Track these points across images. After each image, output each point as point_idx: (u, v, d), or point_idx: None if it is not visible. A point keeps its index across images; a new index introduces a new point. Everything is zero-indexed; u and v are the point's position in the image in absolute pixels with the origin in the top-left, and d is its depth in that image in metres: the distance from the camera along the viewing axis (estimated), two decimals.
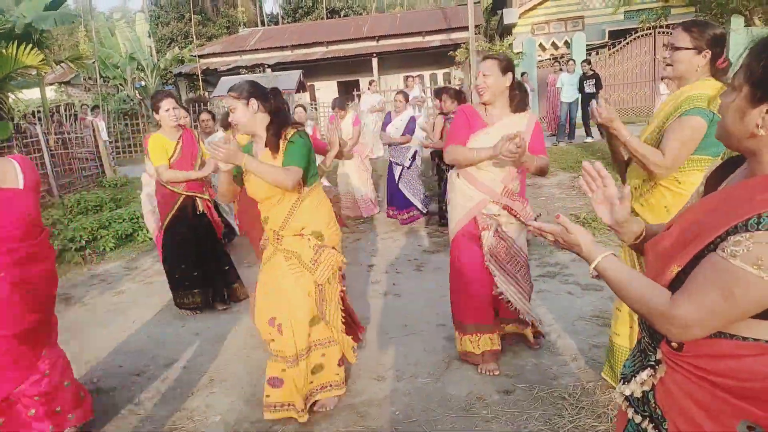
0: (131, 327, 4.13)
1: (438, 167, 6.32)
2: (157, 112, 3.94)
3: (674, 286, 1.07)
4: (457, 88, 6.88)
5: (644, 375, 1.18)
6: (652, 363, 1.18)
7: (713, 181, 1.22)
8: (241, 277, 4.54)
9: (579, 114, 11.70)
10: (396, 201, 6.53)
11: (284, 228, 2.64)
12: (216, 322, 4.12)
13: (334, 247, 2.76)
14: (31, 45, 9.44)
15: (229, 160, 2.44)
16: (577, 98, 11.53)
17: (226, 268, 4.44)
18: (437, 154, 6.15)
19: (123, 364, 3.47)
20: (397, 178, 6.52)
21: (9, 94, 10.40)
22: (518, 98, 2.90)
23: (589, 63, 11.75)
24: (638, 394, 1.20)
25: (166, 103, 3.92)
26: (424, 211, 6.66)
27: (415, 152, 6.61)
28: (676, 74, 2.24)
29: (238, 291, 4.47)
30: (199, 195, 4.16)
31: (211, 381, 3.19)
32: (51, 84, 21.46)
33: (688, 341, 1.07)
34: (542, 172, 2.94)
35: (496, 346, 3.08)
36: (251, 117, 2.61)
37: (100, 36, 20.10)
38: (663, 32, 15.28)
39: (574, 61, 11.94)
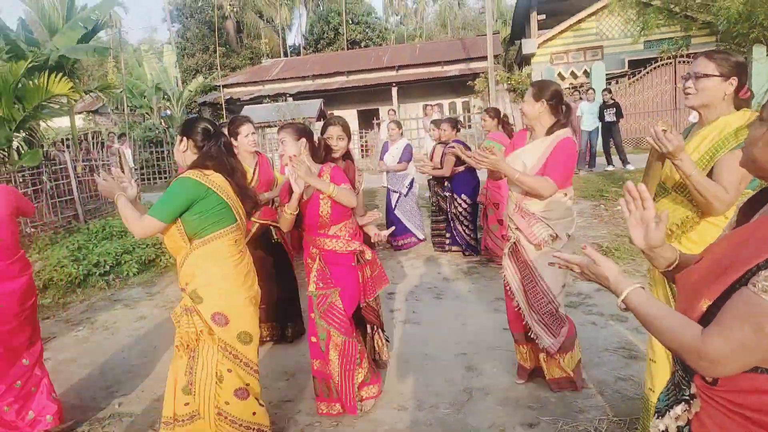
0: (153, 352, 4.16)
1: (436, 194, 6.34)
2: (235, 138, 3.75)
3: (705, 320, 1.06)
4: (457, 117, 7.02)
5: (679, 410, 1.16)
6: (687, 397, 1.15)
7: (746, 213, 1.21)
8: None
9: (599, 142, 11.67)
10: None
11: (179, 279, 2.53)
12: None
13: (226, 316, 2.43)
14: (62, 75, 9.77)
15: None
16: (597, 127, 11.51)
17: (295, 301, 4.19)
18: (436, 182, 6.28)
19: (144, 389, 3.48)
20: (393, 204, 6.66)
21: (40, 122, 10.72)
22: (554, 122, 2.96)
23: (610, 92, 11.77)
24: (673, 429, 1.17)
25: (246, 129, 3.80)
26: (421, 238, 6.78)
27: (412, 179, 6.79)
28: (701, 103, 2.17)
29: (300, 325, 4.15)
30: (273, 223, 3.91)
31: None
32: (80, 113, 22.10)
33: (721, 376, 1.05)
34: (532, 192, 2.85)
35: (523, 362, 3.17)
36: (180, 154, 2.63)
37: (129, 66, 20.75)
38: (683, 62, 15.28)
39: (593, 89, 11.97)
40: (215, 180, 2.45)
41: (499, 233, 5.56)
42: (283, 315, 4.09)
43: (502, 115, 5.71)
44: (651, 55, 16.89)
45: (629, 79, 16.46)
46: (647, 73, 16.11)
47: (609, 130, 11.37)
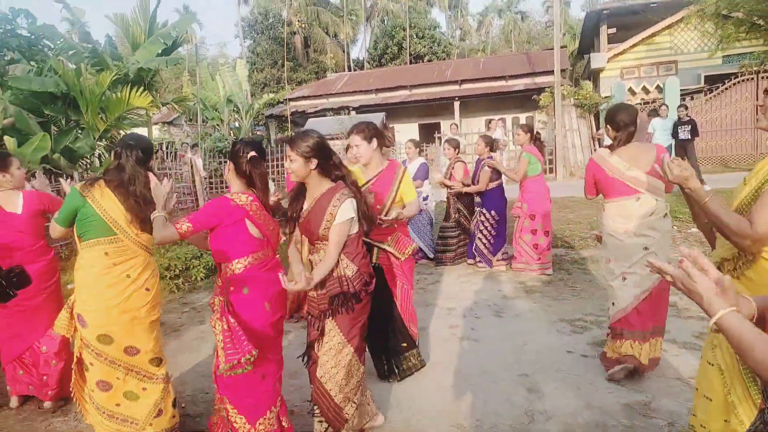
0: (205, 356, 4.29)
1: (459, 210, 6.66)
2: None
3: None
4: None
5: None
6: None
7: None
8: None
9: None
10: None
11: None
12: (296, 353, 4.20)
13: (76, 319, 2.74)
14: (142, 88, 10.40)
15: None
16: (671, 144, 11.04)
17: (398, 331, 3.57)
18: (457, 198, 6.66)
19: (209, 391, 3.60)
20: None
21: (121, 132, 11.43)
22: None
23: (686, 108, 11.25)
24: None
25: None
26: (431, 256, 6.89)
27: (426, 197, 6.87)
28: None
29: (412, 360, 3.61)
30: (378, 245, 3.41)
31: (292, 413, 3.23)
32: (156, 123, 23.40)
33: None
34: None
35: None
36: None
37: (202, 80, 21.79)
38: (767, 77, 14.42)
39: (667, 106, 11.49)
40: (95, 193, 2.69)
41: (531, 243, 6.07)
42: (382, 348, 3.57)
43: (535, 132, 6.22)
44: (730, 70, 16.04)
45: (706, 95, 15.69)
46: (726, 88, 15.29)
47: (683, 148, 10.86)
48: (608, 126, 3.43)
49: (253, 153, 2.54)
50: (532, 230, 6.09)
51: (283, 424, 2.66)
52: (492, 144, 6.44)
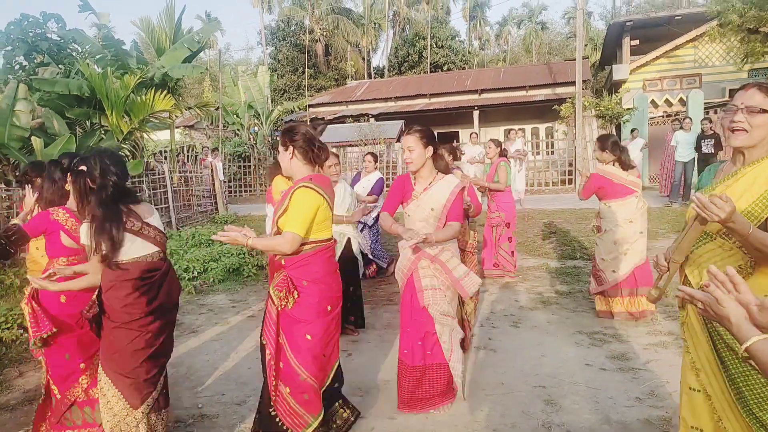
0: (235, 357, 4.33)
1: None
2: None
3: None
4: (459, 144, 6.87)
5: None
6: None
7: None
8: None
9: (695, 174, 11.01)
10: None
11: None
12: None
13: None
14: (166, 92, 10.57)
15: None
16: (694, 158, 10.88)
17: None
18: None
19: (226, 393, 3.62)
20: None
21: (144, 134, 11.62)
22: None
23: (710, 121, 11.09)
24: None
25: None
26: (384, 265, 6.89)
27: (379, 213, 6.68)
28: (753, 142, 1.86)
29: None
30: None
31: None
32: (178, 127, 23.70)
33: None
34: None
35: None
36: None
37: (224, 85, 22.06)
38: None
39: (690, 119, 11.34)
40: None
41: (509, 251, 6.38)
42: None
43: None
44: None
45: None
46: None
47: (706, 162, 10.68)
48: (608, 150, 4.79)
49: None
50: (508, 237, 6.38)
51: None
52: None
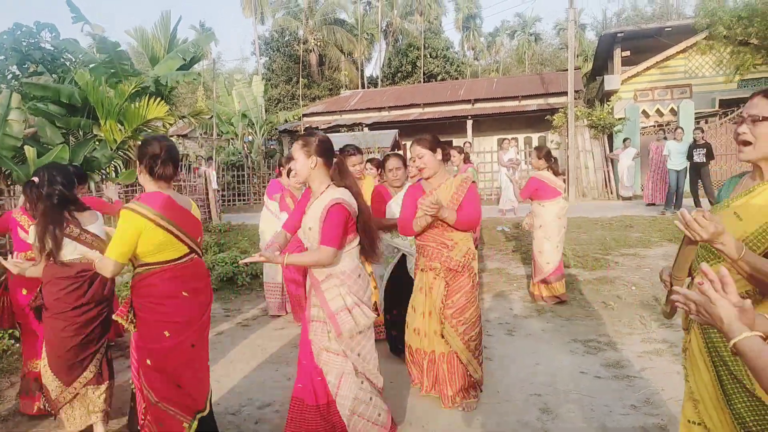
0: (229, 367, 4.30)
1: None
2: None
3: None
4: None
5: None
6: None
7: None
8: None
9: (687, 183, 11.12)
10: None
11: None
12: None
13: None
14: (160, 99, 10.56)
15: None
16: (685, 167, 10.99)
17: None
18: None
19: (220, 402, 3.59)
20: None
21: (138, 143, 11.58)
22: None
23: (702, 131, 11.20)
24: None
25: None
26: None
27: None
28: (759, 155, 1.72)
29: None
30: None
31: None
32: (171, 136, 23.68)
33: None
34: None
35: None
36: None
37: (218, 94, 22.10)
38: None
39: (682, 129, 11.46)
40: None
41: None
42: None
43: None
44: (745, 95, 15.97)
45: (720, 118, 15.65)
46: (742, 113, 15.23)
47: (697, 172, 10.80)
48: (543, 159, 5.63)
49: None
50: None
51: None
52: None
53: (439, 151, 3.25)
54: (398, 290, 3.99)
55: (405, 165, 4.02)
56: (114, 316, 2.70)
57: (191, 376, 2.64)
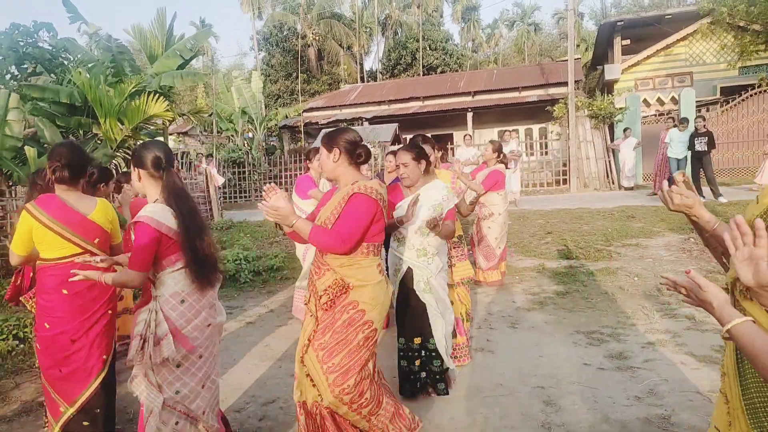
0: (233, 364, 4.31)
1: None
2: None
3: None
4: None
5: None
6: None
7: None
8: None
9: (689, 172, 11.07)
10: None
11: None
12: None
13: None
14: (158, 96, 10.55)
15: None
16: (686, 156, 10.95)
17: None
18: None
19: (225, 400, 3.60)
20: None
21: (138, 143, 11.58)
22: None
23: (704, 119, 11.14)
24: None
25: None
26: None
27: None
28: None
29: None
30: None
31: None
32: (171, 134, 23.68)
33: None
34: None
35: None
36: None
37: (219, 91, 22.07)
38: None
39: (687, 120, 11.40)
40: None
41: None
42: None
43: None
44: (746, 82, 15.93)
45: (722, 106, 15.57)
46: (743, 100, 15.17)
47: (699, 160, 10.76)
48: (497, 152, 5.98)
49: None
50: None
51: None
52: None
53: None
54: (402, 313, 3.40)
55: (419, 158, 3.34)
56: (21, 297, 3.13)
57: (69, 371, 2.78)
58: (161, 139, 13.01)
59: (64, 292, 2.76)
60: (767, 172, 10.93)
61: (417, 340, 3.36)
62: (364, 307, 2.57)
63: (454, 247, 3.94)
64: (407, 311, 3.34)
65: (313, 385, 2.59)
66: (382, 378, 2.87)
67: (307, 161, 5.43)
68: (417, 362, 3.38)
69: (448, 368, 3.44)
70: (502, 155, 6.09)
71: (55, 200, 2.79)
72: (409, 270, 3.31)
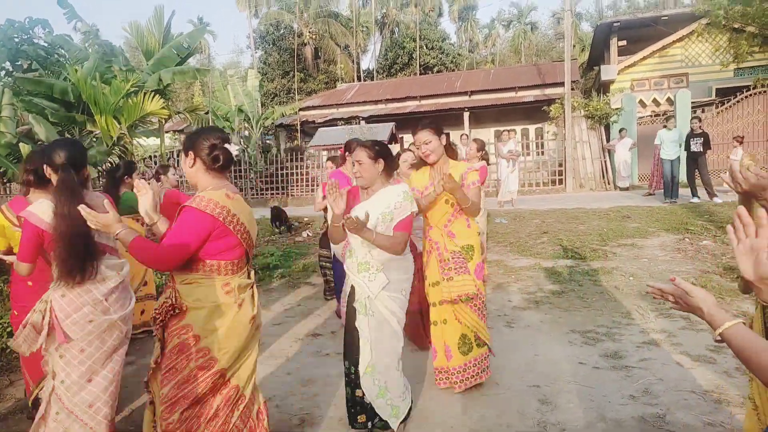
0: None
1: None
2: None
3: None
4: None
5: None
6: None
7: None
8: None
9: (684, 172, 11.13)
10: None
11: None
12: (305, 364, 4.21)
13: None
14: (155, 95, 10.51)
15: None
16: (679, 156, 10.99)
17: None
18: None
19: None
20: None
21: (134, 140, 11.53)
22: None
23: (700, 120, 11.18)
24: None
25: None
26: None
27: None
28: None
29: None
30: None
31: (302, 422, 3.23)
32: (167, 132, 23.59)
33: None
34: None
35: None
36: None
37: (214, 89, 21.99)
38: None
39: (674, 117, 11.46)
40: None
41: None
42: None
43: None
44: (741, 83, 16.01)
45: (717, 107, 15.64)
46: (738, 101, 15.24)
47: (695, 161, 10.81)
48: (480, 151, 6.04)
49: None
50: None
51: None
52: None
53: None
54: (347, 335, 3.04)
55: (377, 157, 2.99)
56: None
57: (34, 354, 2.75)
58: (156, 138, 12.97)
59: (29, 284, 3.00)
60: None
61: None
62: (199, 332, 2.29)
63: (452, 258, 3.39)
64: (353, 333, 2.96)
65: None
66: (259, 422, 2.52)
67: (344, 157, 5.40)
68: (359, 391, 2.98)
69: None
70: (484, 152, 6.21)
71: (22, 202, 3.02)
72: (353, 287, 2.96)
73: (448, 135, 3.43)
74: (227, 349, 2.32)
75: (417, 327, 4.27)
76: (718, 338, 1.15)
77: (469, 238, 3.45)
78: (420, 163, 3.59)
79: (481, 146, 6.22)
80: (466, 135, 13.24)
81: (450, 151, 3.47)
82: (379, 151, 2.93)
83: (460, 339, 3.48)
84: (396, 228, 2.86)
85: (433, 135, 3.31)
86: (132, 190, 5.01)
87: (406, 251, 2.97)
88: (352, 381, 2.97)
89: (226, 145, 2.43)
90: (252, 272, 2.55)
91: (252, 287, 2.50)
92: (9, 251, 3.12)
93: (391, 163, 3.00)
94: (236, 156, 2.45)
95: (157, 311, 2.34)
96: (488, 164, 6.37)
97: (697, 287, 1.23)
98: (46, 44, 10.36)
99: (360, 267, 2.90)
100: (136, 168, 4.77)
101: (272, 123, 21.72)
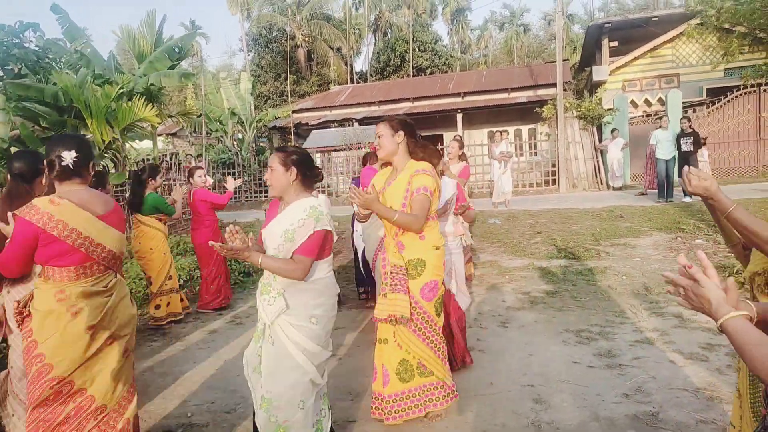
0: (223, 365, 4.30)
1: None
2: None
3: None
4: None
5: None
6: None
7: None
8: None
9: (676, 172, 11.20)
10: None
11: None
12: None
13: None
14: (148, 100, 10.47)
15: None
16: (674, 156, 11.06)
17: None
18: None
19: (215, 401, 3.59)
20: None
21: (126, 144, 11.48)
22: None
23: (689, 120, 11.27)
24: None
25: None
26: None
27: None
28: None
29: None
30: None
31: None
32: (160, 135, 23.50)
33: None
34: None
35: None
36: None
37: (208, 92, 21.93)
38: None
39: (667, 117, 11.54)
40: None
41: None
42: None
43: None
44: (732, 83, 16.13)
45: (708, 107, 15.76)
46: (728, 101, 15.37)
47: (685, 160, 10.86)
48: (461, 150, 6.07)
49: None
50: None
51: None
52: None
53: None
54: None
55: (288, 166, 2.64)
56: None
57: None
58: (148, 141, 12.91)
59: None
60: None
61: None
62: (36, 337, 2.32)
63: (392, 273, 2.98)
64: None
65: None
66: None
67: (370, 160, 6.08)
68: None
69: None
70: (462, 152, 6.25)
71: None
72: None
73: (414, 134, 3.16)
74: (62, 357, 2.30)
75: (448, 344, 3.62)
76: (719, 329, 1.17)
77: (420, 251, 2.99)
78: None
79: (462, 145, 6.21)
80: (459, 136, 13.25)
81: (424, 151, 3.17)
82: (295, 159, 2.56)
83: (400, 364, 3.03)
84: (297, 251, 2.42)
85: (387, 129, 3.07)
86: (156, 191, 5.35)
87: (327, 272, 2.59)
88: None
89: (63, 153, 2.38)
90: (113, 281, 2.51)
91: (108, 295, 2.45)
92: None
93: (309, 174, 2.62)
94: (73, 160, 2.37)
95: (15, 310, 2.45)
96: (467, 162, 6.33)
97: (709, 279, 1.21)
98: (37, 48, 10.30)
99: (263, 288, 2.55)
100: (160, 171, 5.28)
101: (265, 126, 21.69)
